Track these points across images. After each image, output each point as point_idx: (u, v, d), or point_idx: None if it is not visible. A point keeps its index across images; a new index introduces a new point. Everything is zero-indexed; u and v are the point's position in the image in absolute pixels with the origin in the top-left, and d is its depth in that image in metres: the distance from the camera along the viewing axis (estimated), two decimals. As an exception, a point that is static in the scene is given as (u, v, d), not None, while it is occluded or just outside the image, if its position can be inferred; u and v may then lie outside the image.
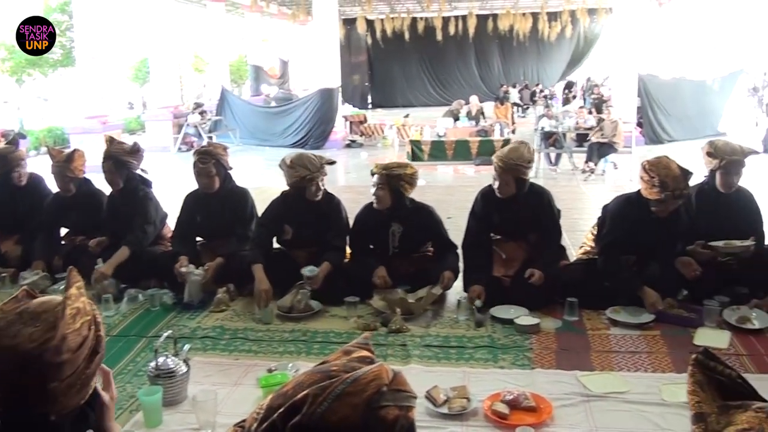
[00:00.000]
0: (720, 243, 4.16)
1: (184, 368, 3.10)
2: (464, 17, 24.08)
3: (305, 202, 4.55)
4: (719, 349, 3.55)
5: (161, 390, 2.92)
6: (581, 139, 11.54)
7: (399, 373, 1.16)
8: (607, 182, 10.17)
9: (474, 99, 15.99)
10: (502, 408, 2.89)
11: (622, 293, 4.11)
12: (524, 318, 3.95)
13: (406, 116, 15.98)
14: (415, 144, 12.60)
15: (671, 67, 18.99)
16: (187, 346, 3.26)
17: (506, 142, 10.66)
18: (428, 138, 12.88)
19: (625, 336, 3.79)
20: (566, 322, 4.00)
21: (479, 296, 4.10)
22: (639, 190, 4.18)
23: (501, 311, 4.07)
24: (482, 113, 15.42)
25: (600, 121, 11.46)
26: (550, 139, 11.46)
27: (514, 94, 23.84)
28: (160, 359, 3.08)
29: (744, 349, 3.60)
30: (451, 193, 8.57)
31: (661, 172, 3.95)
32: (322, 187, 4.53)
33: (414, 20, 24.71)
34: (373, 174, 4.50)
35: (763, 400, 1.20)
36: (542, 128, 11.60)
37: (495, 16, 24.88)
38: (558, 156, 11.55)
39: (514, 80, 27.28)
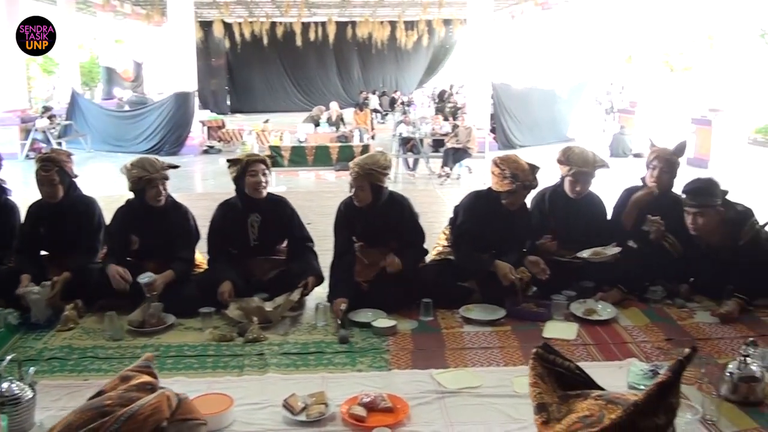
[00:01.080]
0: (587, 253, 4.40)
1: (29, 393, 2.85)
2: (324, 23, 24.16)
3: (149, 209, 4.39)
4: (567, 341, 3.76)
5: (6, 419, 2.70)
6: (437, 144, 11.85)
7: (184, 401, 1.08)
8: (462, 186, 10.48)
9: (334, 105, 16.07)
10: (360, 411, 2.89)
11: (477, 273, 4.29)
12: (381, 321, 3.97)
13: (266, 122, 15.78)
14: (275, 150, 12.45)
15: (523, 77, 19.97)
16: (32, 369, 3.00)
17: (365, 147, 10.77)
18: (288, 144, 12.78)
19: (478, 333, 3.91)
20: (422, 322, 4.07)
21: (342, 308, 4.08)
22: (489, 187, 4.41)
23: (359, 315, 4.08)
24: (342, 119, 15.53)
25: (455, 127, 11.84)
26: (408, 144, 11.70)
27: (374, 101, 24.15)
28: (4, 385, 2.81)
29: (591, 339, 3.83)
30: (311, 198, 8.52)
31: (511, 165, 4.26)
32: (164, 192, 4.38)
33: (273, 25, 24.48)
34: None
35: (600, 388, 1.24)
36: (400, 134, 11.83)
37: (354, 24, 25.17)
38: (416, 161, 11.82)
39: (374, 87, 27.65)
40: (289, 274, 4.41)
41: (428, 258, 4.72)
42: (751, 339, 3.32)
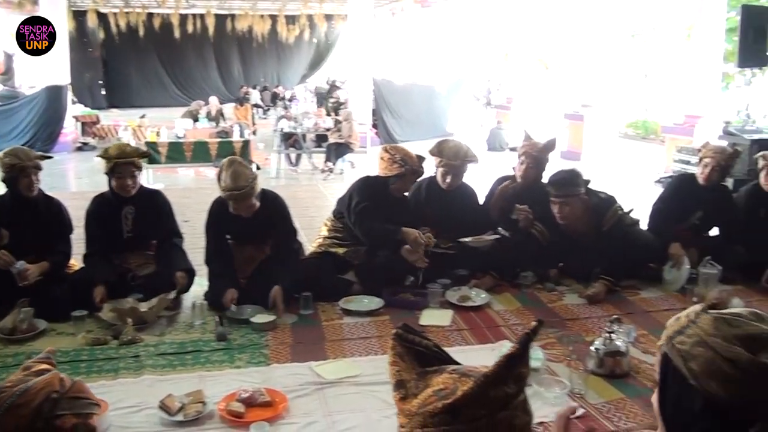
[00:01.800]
0: (468, 239, 4.55)
1: None
2: (202, 16, 23.49)
3: (21, 202, 4.19)
4: (443, 327, 3.89)
5: None
6: (320, 140, 11.83)
7: (78, 382, 1.07)
8: (345, 181, 10.50)
9: (213, 100, 15.72)
10: (238, 407, 2.87)
11: (385, 245, 4.38)
12: (260, 316, 3.94)
13: (142, 117, 15.24)
14: (152, 146, 11.99)
15: (404, 73, 20.25)
16: None
17: (245, 143, 10.61)
18: (165, 139, 12.38)
19: (357, 324, 3.96)
20: (302, 316, 4.07)
21: (233, 300, 4.04)
22: (377, 175, 4.53)
23: (237, 312, 4.03)
24: (222, 114, 15.22)
25: (337, 122, 11.85)
26: (290, 140, 11.61)
27: (255, 96, 23.80)
28: None
29: (465, 325, 3.98)
30: (188, 195, 8.33)
31: (401, 151, 4.46)
32: (36, 182, 4.20)
33: (150, 16, 23.56)
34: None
35: (457, 364, 1.28)
36: (281, 129, 11.71)
37: (233, 17, 24.60)
38: (298, 156, 11.75)
39: (255, 82, 27.24)
40: (161, 271, 4.29)
41: (308, 251, 4.73)
42: (615, 317, 3.55)
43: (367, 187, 4.56)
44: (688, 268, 4.65)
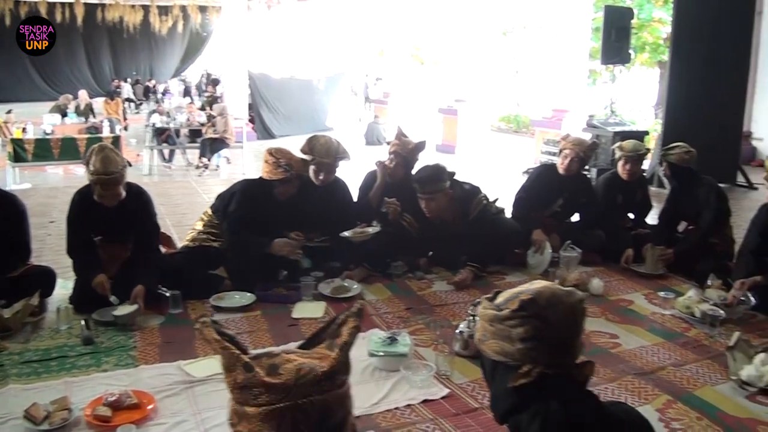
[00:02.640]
0: (349, 233, 4.59)
1: None
2: (71, 5, 22.34)
3: None
4: (315, 319, 3.92)
5: None
6: (194, 135, 11.58)
7: None
8: (221, 176, 10.39)
9: (83, 94, 15.05)
10: (104, 411, 2.81)
11: (255, 253, 4.32)
12: (122, 308, 3.85)
13: (9, 112, 14.35)
14: (17, 143, 11.35)
15: (281, 67, 20.09)
16: None
17: (116, 139, 10.22)
18: (32, 136, 11.72)
19: (228, 320, 3.93)
20: (171, 315, 4.00)
21: (105, 285, 3.92)
22: (260, 176, 4.49)
23: (101, 314, 3.90)
24: (92, 109, 14.59)
25: (211, 117, 11.63)
26: (163, 135, 11.28)
27: (126, 89, 22.96)
28: None
29: (338, 315, 4.01)
30: (55, 195, 7.93)
31: (286, 155, 4.41)
32: None
33: (17, 4, 22.20)
34: None
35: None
36: (153, 124, 11.36)
37: (104, 6, 23.55)
38: (171, 152, 11.45)
39: (126, 75, 26.25)
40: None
41: (181, 243, 4.67)
42: (477, 300, 3.70)
43: (248, 192, 4.50)
44: (551, 252, 4.95)
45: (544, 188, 5.27)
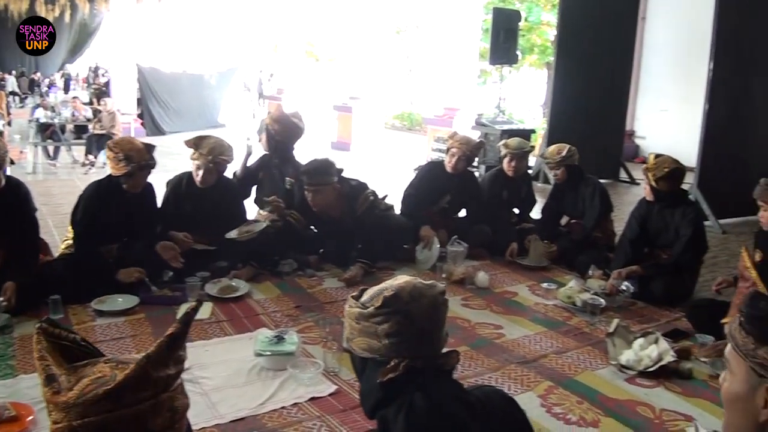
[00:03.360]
0: (235, 233, 4.52)
1: None
2: (-60, -10, 20.90)
3: None
4: (202, 320, 3.83)
5: None
6: (80, 131, 11.08)
7: None
8: (108, 173, 9.98)
9: (-43, 87, 14.16)
10: (-20, 426, 2.65)
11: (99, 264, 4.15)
12: None
13: None
14: None
15: (172, 61, 19.55)
16: None
17: (-4, 134, 9.67)
18: None
19: (111, 324, 3.78)
20: (51, 321, 3.78)
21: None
22: (109, 174, 4.30)
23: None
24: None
25: (97, 112, 11.17)
26: (47, 131, 10.74)
27: (11, 82, 21.75)
28: None
29: (224, 316, 3.96)
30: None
31: (125, 147, 4.18)
32: None
33: None
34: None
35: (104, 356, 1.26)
36: (38, 119, 10.80)
37: (-14, -6, 22.17)
38: (56, 149, 10.90)
39: (11, 67, 24.85)
40: None
41: (57, 252, 4.45)
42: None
43: (93, 195, 4.28)
44: (438, 247, 5.04)
45: (432, 185, 5.38)
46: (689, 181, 7.41)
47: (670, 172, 4.45)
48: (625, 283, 4.39)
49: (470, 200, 5.52)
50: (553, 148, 5.41)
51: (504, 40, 9.64)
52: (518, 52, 10.21)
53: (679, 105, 11.19)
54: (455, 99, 11.57)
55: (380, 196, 5.03)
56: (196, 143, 4.54)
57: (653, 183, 4.51)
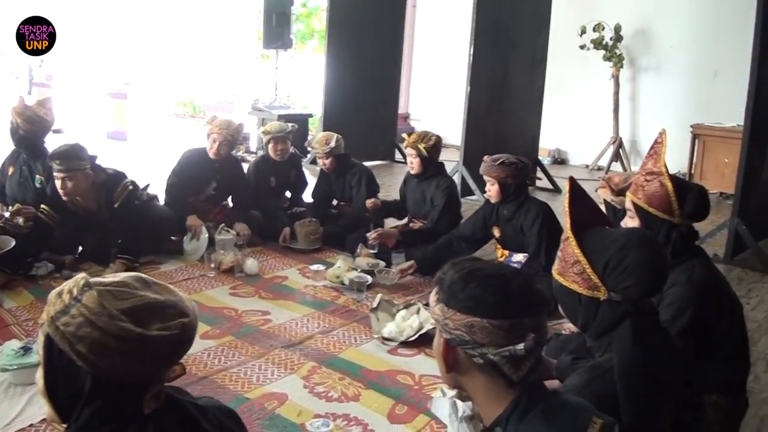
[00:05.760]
0: None
1: None
2: None
3: None
4: None
5: None
6: None
7: None
8: None
9: None
10: None
11: None
12: None
13: None
14: None
15: None
16: None
17: None
18: None
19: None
20: None
21: None
22: None
23: None
24: None
25: None
26: None
27: None
28: None
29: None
30: None
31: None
32: None
33: None
34: None
35: None
36: None
37: None
38: None
39: None
40: None
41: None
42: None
43: None
44: (207, 236, 4.93)
45: (196, 173, 5.22)
46: (456, 159, 7.94)
47: (436, 141, 4.99)
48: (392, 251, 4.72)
49: (236, 187, 5.45)
50: (320, 137, 5.48)
51: (276, 24, 9.63)
52: (292, 36, 10.23)
53: (448, 88, 11.78)
54: (235, 84, 11.38)
55: (141, 186, 4.80)
56: None
57: (425, 153, 4.90)
